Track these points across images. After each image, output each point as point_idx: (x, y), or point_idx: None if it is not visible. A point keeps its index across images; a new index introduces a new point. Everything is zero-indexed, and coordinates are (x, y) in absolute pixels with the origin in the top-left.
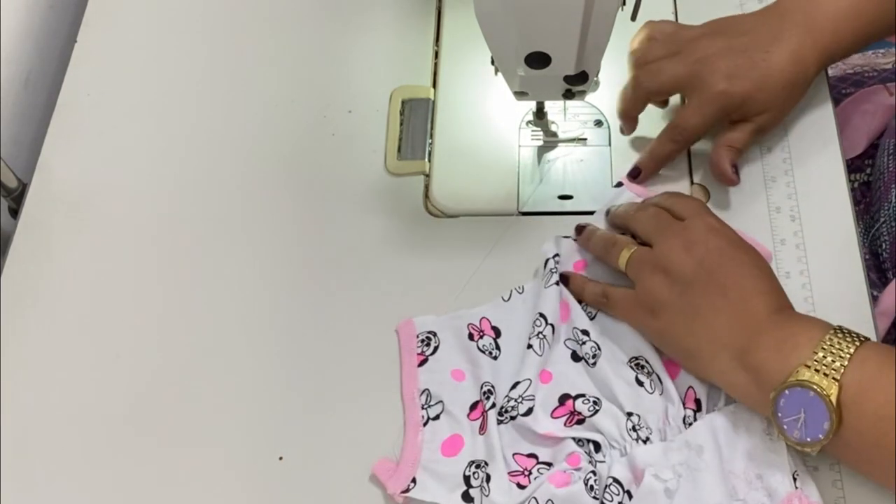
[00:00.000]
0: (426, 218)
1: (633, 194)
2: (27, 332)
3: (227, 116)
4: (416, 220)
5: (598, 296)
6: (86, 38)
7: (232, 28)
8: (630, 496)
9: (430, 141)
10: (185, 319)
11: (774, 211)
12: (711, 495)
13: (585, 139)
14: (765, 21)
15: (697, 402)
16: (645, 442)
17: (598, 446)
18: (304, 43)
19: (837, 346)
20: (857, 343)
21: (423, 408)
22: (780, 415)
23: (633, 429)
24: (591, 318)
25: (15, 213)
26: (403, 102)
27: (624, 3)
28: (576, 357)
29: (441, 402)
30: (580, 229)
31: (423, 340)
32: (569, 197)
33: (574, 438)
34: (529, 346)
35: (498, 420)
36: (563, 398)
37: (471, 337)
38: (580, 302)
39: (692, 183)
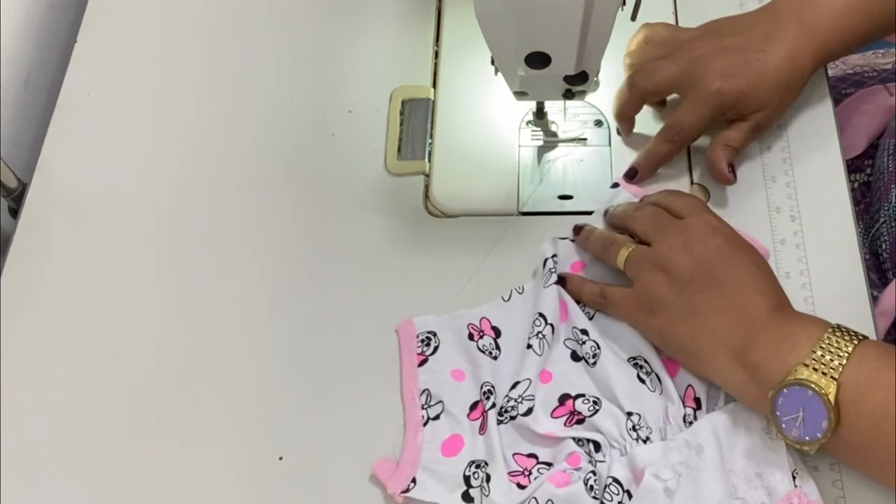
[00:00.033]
0: (426, 218)
1: (629, 195)
2: (27, 332)
3: (227, 116)
4: (416, 220)
5: (597, 296)
6: (86, 38)
7: (232, 28)
8: (630, 496)
9: (430, 141)
10: (185, 319)
11: (774, 211)
12: (711, 495)
13: (585, 139)
14: (760, 20)
15: (697, 400)
16: (645, 441)
17: (598, 446)
18: (304, 43)
19: (836, 345)
20: (856, 342)
21: (423, 408)
22: (778, 413)
23: (633, 428)
24: (590, 319)
25: (15, 213)
26: (403, 102)
27: (624, 3)
28: (575, 357)
29: (441, 402)
30: (578, 229)
31: (423, 340)
32: (569, 197)
33: (574, 438)
34: (529, 346)
35: (498, 420)
36: (563, 398)
37: (471, 337)
38: (578, 303)
39: (692, 182)
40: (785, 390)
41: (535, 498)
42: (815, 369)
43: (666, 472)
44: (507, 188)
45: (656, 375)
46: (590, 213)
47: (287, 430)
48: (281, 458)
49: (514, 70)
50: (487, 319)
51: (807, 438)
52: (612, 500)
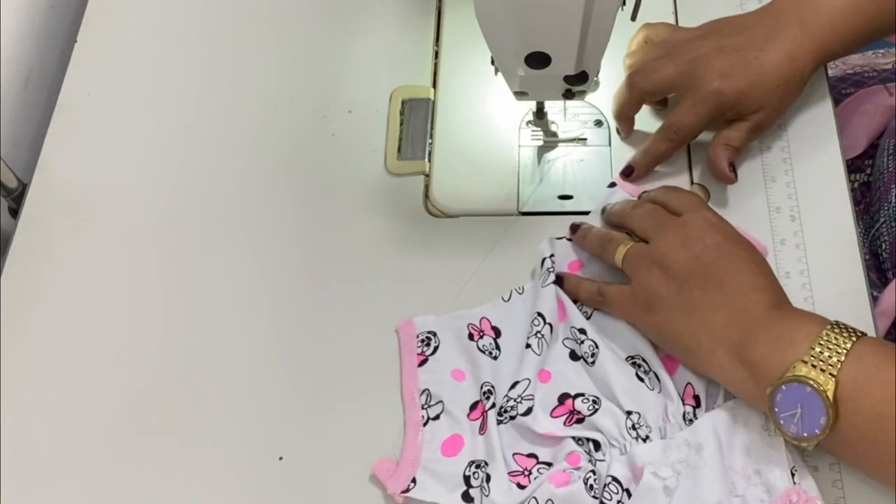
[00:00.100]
0: (426, 218)
1: (626, 194)
2: (27, 332)
3: (227, 116)
4: (416, 220)
5: (594, 294)
6: (86, 38)
7: (232, 28)
8: (629, 495)
9: (430, 141)
10: (185, 319)
11: (774, 211)
12: (710, 493)
13: (585, 139)
14: (760, 20)
15: (696, 398)
16: (644, 440)
17: (597, 445)
18: (304, 43)
19: (834, 342)
20: (854, 338)
21: (423, 408)
22: (776, 410)
23: (633, 427)
24: (588, 318)
25: (15, 213)
26: (403, 102)
27: (624, 3)
28: (574, 356)
29: (441, 402)
30: (575, 228)
31: (423, 340)
32: (569, 197)
33: (574, 437)
34: (528, 346)
35: (497, 420)
36: (563, 397)
37: (471, 337)
38: (576, 302)
39: (692, 182)
40: (783, 387)
41: (534, 498)
42: (813, 366)
43: (665, 471)
44: (507, 188)
45: (655, 374)
46: (590, 213)
47: (287, 430)
48: (281, 458)
49: (514, 70)
50: (487, 319)
51: (805, 435)
52: (611, 500)
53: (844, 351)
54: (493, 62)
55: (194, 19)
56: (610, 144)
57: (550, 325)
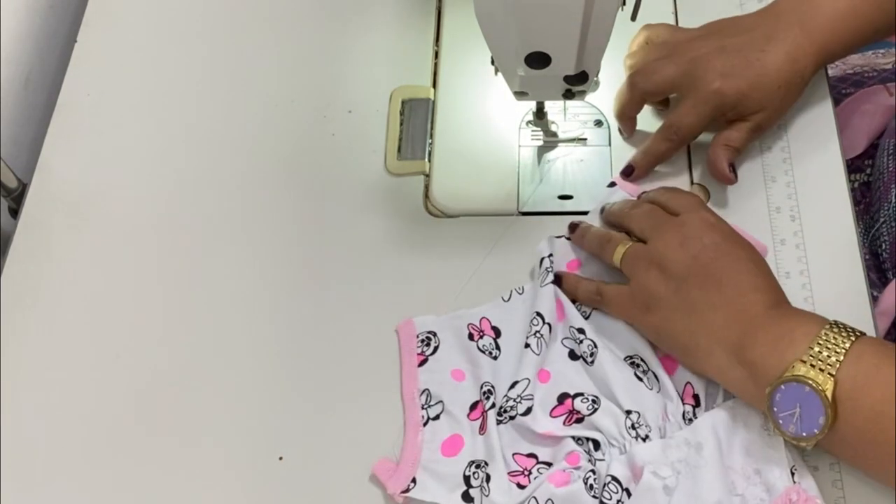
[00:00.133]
0: (426, 218)
1: (626, 193)
2: (27, 332)
3: (227, 116)
4: (416, 220)
5: (592, 293)
6: (86, 38)
7: (232, 28)
8: (629, 494)
9: (430, 141)
10: (185, 319)
11: (774, 211)
12: (710, 492)
13: (585, 139)
14: (761, 21)
15: (696, 397)
16: (644, 440)
17: (597, 445)
18: (304, 43)
19: (833, 342)
20: (853, 338)
21: (423, 408)
22: (775, 409)
23: (633, 427)
24: (586, 318)
25: (15, 213)
26: (403, 102)
27: (624, 4)
28: (573, 355)
29: (441, 402)
30: (573, 227)
31: (423, 340)
32: (569, 197)
33: (573, 437)
34: (527, 346)
35: (497, 420)
36: (562, 397)
37: (471, 337)
38: (574, 301)
39: (692, 182)
40: (782, 387)
41: (534, 497)
42: (812, 366)
43: (665, 470)
44: (507, 188)
45: (653, 374)
46: (589, 213)
47: (287, 430)
48: (281, 458)
49: (514, 70)
50: (487, 319)
51: (804, 434)
52: (610, 499)
53: (843, 351)
54: (493, 62)
55: (194, 19)
56: (610, 144)
57: (549, 324)
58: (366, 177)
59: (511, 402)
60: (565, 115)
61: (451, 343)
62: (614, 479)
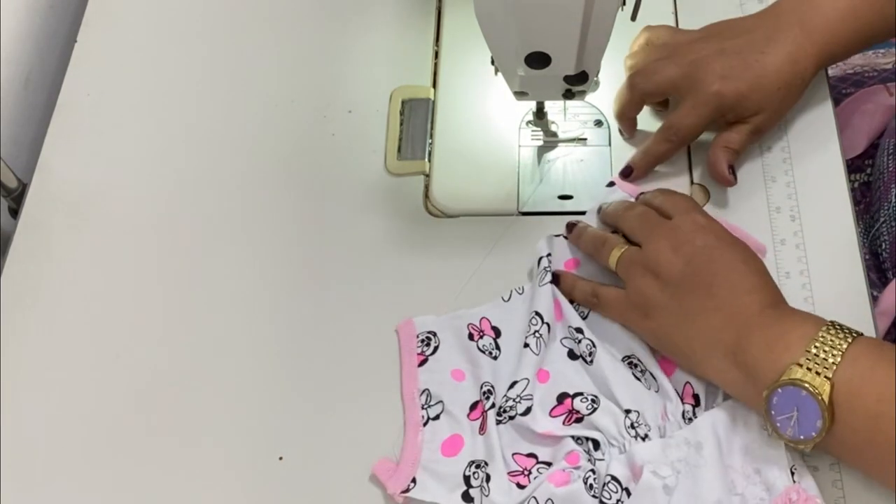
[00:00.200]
0: (426, 218)
1: (625, 193)
2: (27, 332)
3: (227, 116)
4: (416, 220)
5: (589, 295)
6: (86, 38)
7: (232, 28)
8: (628, 493)
9: (430, 141)
10: (185, 319)
11: (774, 211)
12: (710, 491)
13: (585, 139)
14: (761, 23)
15: (696, 396)
16: (644, 439)
17: (597, 444)
18: (304, 43)
19: (830, 343)
20: (850, 339)
21: (423, 408)
22: (773, 412)
23: (632, 426)
24: (584, 318)
25: (15, 213)
26: (403, 102)
27: (624, 4)
28: (572, 355)
29: (441, 402)
30: (571, 227)
31: (423, 340)
32: (569, 197)
33: (573, 437)
34: (526, 346)
35: (497, 420)
36: (562, 397)
37: (471, 337)
38: (572, 302)
39: (692, 183)
40: (779, 390)
41: (534, 497)
42: (808, 369)
43: (665, 470)
44: (507, 188)
45: (651, 374)
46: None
47: (287, 430)
48: (281, 458)
49: (514, 70)
50: (487, 319)
51: (801, 437)
52: (610, 499)
53: (840, 352)
54: (493, 62)
55: (194, 19)
56: (610, 144)
57: (548, 324)
58: (366, 177)
59: (510, 402)
60: (565, 115)
61: (451, 343)
62: (614, 478)
